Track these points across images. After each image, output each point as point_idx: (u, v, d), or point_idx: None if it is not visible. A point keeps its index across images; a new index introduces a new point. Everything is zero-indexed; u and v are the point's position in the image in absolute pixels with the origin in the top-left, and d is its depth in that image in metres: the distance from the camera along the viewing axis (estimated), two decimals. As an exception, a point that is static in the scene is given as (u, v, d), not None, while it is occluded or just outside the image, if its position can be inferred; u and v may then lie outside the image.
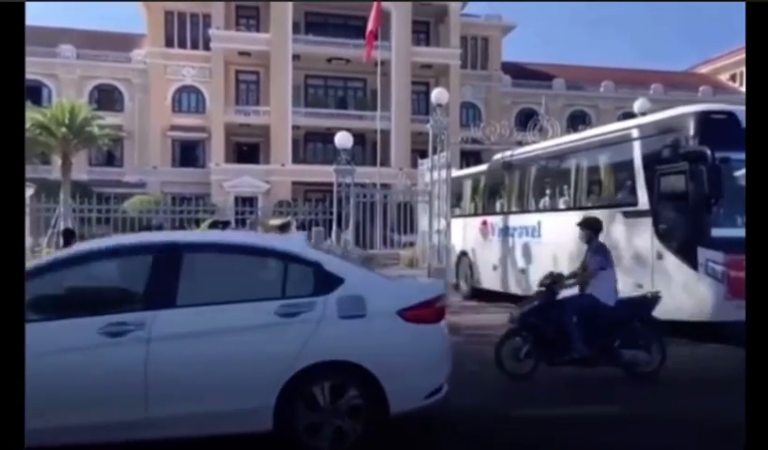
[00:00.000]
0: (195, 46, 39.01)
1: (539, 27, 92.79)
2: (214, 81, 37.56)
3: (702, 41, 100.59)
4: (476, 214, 15.39)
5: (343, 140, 15.18)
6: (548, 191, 12.47)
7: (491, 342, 7.33)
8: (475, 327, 11.06)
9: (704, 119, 8.44)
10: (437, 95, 15.19)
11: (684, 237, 8.47)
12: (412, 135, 36.75)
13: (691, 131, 8.42)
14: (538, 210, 12.52)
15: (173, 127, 38.58)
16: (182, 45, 38.99)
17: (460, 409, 5.53)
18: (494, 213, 14.32)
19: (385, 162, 34.44)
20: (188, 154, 39.51)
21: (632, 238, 9.46)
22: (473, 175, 16.32)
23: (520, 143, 15.45)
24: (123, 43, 39.74)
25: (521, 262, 12.84)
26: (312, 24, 39.53)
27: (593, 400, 6.30)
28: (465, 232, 15.46)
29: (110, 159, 39.11)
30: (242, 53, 37.87)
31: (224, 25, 37.58)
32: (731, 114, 8.50)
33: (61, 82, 37.12)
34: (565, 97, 42.33)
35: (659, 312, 7.08)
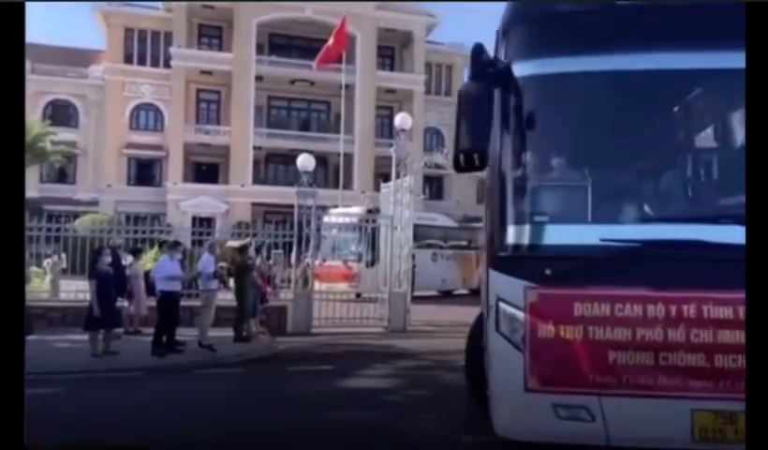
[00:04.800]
0: (155, 63, 38.33)
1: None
2: (174, 99, 36.94)
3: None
4: None
5: (305, 162, 14.96)
6: None
7: (446, 367, 7.23)
8: (430, 352, 10.95)
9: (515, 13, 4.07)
10: (401, 119, 15.16)
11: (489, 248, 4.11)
12: (375, 159, 36.73)
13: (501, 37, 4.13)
14: None
15: (130, 145, 37.68)
16: (141, 62, 38.27)
17: (414, 433, 5.36)
18: None
19: (347, 185, 34.33)
20: (144, 172, 38.63)
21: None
22: None
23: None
24: (80, 59, 38.82)
25: None
26: (276, 46, 39.39)
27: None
28: None
29: (63, 176, 38.01)
30: (203, 72, 37.40)
31: (186, 44, 37.09)
32: None
33: (13, 96, 35.94)
34: (525, 126, 43.05)
35: None
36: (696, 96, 3.93)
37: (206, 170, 38.94)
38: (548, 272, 3.49)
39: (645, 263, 3.39)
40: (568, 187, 3.88)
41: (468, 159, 3.70)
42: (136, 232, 14.44)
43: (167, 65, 37.39)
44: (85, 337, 9.62)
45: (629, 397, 3.33)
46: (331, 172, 37.09)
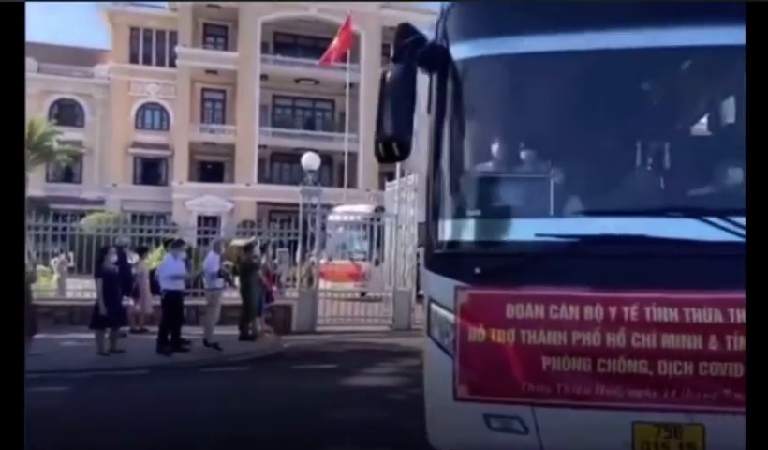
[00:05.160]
0: (160, 63, 38.44)
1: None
2: (179, 98, 37.02)
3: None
4: None
5: (310, 160, 14.98)
6: None
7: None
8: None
9: None
10: (406, 118, 15.11)
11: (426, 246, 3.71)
12: (380, 157, 36.66)
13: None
14: None
15: (135, 144, 37.81)
16: (147, 61, 38.38)
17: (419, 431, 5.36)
18: None
19: (352, 184, 34.34)
20: (150, 171, 38.75)
21: None
22: None
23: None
24: (85, 58, 38.95)
25: None
26: (280, 45, 39.43)
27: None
28: None
29: (69, 175, 38.16)
30: (208, 71, 37.47)
31: (191, 43, 37.17)
32: None
33: (19, 96, 36.08)
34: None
35: None
36: (645, 78, 3.58)
37: (211, 169, 39.03)
38: (477, 270, 3.19)
39: (584, 261, 3.08)
40: (502, 180, 3.62)
41: (388, 149, 3.32)
42: (141, 230, 14.52)
43: (172, 64, 37.48)
44: (92, 335, 9.67)
45: (565, 407, 3.04)
46: (335, 171, 37.12)
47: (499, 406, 3.13)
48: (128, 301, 11.40)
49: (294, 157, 30.30)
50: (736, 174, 3.14)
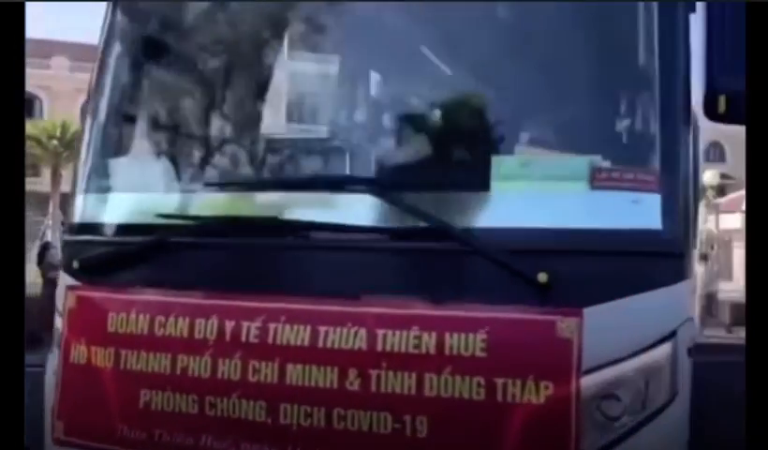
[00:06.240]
0: (189, 59, 39.02)
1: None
2: (208, 94, 37.58)
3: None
4: None
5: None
6: None
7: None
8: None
9: None
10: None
11: None
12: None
13: None
14: None
15: (166, 141, 38.53)
16: (176, 58, 38.97)
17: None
18: None
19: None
20: (180, 167, 39.49)
21: None
22: None
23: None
24: (117, 56, 39.73)
25: None
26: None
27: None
28: None
29: (102, 172, 39.13)
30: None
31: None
32: None
33: (54, 95, 37.03)
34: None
35: None
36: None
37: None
38: (76, 264, 2.40)
39: (213, 253, 2.29)
40: (119, 142, 2.80)
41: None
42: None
43: (200, 61, 38.02)
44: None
45: None
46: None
47: None
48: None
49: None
50: (473, 147, 2.42)
